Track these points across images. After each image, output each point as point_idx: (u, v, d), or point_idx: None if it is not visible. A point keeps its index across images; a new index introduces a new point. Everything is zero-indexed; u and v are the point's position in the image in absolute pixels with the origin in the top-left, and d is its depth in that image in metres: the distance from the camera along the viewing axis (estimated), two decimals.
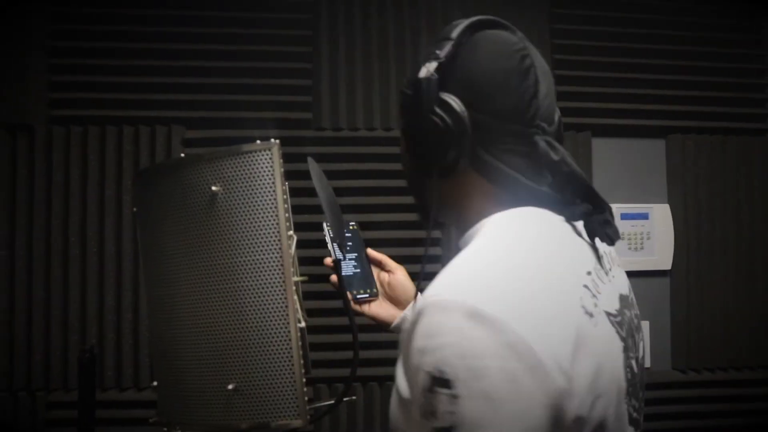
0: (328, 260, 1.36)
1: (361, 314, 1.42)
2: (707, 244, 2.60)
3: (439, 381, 0.80)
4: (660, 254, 2.58)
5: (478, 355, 0.80)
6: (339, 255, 1.37)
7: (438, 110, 0.96)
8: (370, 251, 1.50)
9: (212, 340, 1.17)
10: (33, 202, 2.30)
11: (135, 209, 1.37)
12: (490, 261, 0.89)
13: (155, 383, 1.33)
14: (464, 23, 1.02)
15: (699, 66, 2.63)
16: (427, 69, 0.97)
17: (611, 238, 0.98)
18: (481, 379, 0.79)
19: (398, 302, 1.45)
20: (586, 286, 0.91)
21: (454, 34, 1.00)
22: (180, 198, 1.20)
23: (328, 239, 1.36)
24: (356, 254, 1.46)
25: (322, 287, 1.97)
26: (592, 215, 0.99)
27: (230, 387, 1.13)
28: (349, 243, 1.45)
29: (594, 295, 0.91)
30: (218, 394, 1.16)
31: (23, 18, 2.32)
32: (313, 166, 1.34)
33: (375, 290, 1.45)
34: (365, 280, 1.45)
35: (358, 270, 1.45)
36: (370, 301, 1.44)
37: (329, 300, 2.21)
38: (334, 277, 1.35)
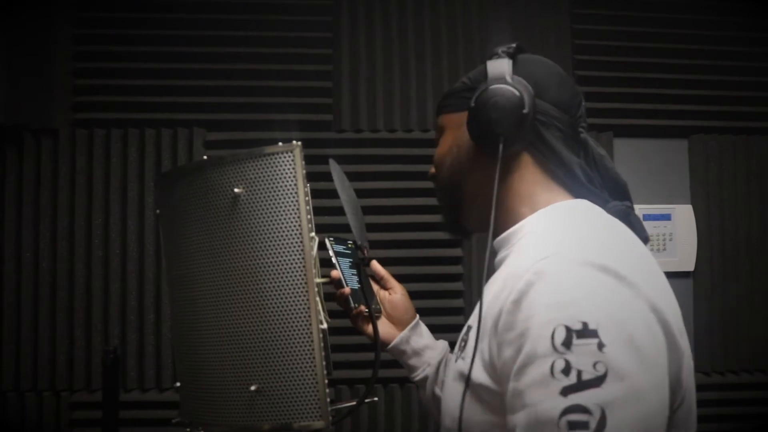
0: (335, 273, 1.36)
1: (361, 332, 1.40)
2: (731, 245, 2.58)
3: (581, 332, 0.78)
4: (683, 255, 2.55)
5: (620, 304, 0.81)
6: (341, 267, 1.37)
7: (512, 82, 1.02)
8: (375, 265, 1.47)
9: (235, 341, 1.17)
10: (57, 205, 2.32)
11: (158, 211, 1.38)
12: (599, 231, 0.95)
13: (178, 384, 1.34)
14: (517, 42, 1.11)
15: (721, 65, 2.60)
16: (498, 57, 1.06)
17: (646, 237, 1.04)
18: (625, 327, 0.79)
19: (397, 322, 1.42)
20: (652, 257, 0.98)
21: (514, 44, 1.09)
22: (203, 200, 1.21)
23: (331, 253, 1.36)
24: (356, 270, 1.43)
25: None
26: (630, 214, 1.05)
27: (253, 388, 1.14)
28: (350, 260, 1.42)
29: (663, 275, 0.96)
30: (241, 395, 1.16)
31: (48, 23, 2.34)
32: (334, 168, 1.34)
33: (378, 307, 1.42)
34: (369, 296, 1.42)
35: (359, 286, 1.41)
36: (376, 318, 1.40)
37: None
38: (346, 290, 1.35)
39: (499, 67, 1.04)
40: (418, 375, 1.40)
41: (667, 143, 2.61)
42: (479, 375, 0.92)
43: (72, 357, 2.30)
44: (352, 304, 1.35)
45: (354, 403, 1.27)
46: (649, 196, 2.57)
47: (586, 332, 0.78)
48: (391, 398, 2.38)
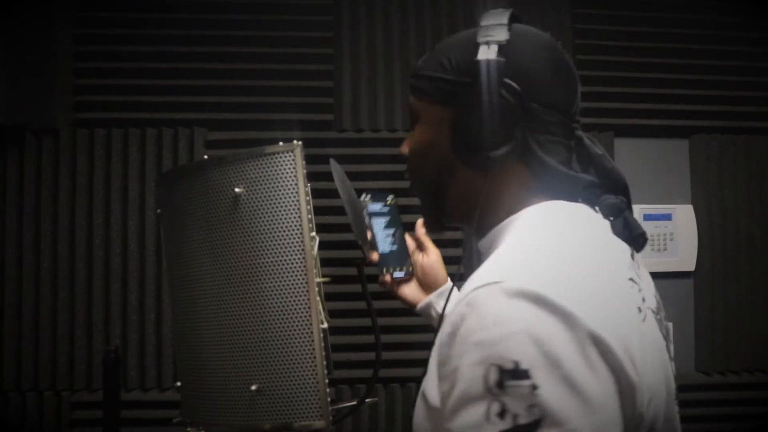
0: (368, 234, 1.36)
1: (390, 292, 1.40)
2: (731, 245, 2.58)
3: (513, 373, 0.72)
4: (683, 255, 2.55)
5: (554, 341, 0.73)
6: (374, 229, 1.36)
7: (504, 93, 0.90)
8: (418, 226, 1.45)
9: (235, 340, 1.17)
10: (58, 204, 2.33)
11: (159, 211, 1.38)
12: (546, 250, 0.85)
13: (179, 383, 1.34)
14: (506, 11, 0.97)
15: (722, 65, 2.60)
16: (489, 52, 0.91)
17: (643, 234, 0.95)
18: (560, 365, 0.72)
19: (427, 286, 1.42)
20: (632, 280, 0.88)
21: (505, 20, 0.95)
22: (203, 199, 1.21)
23: (365, 213, 1.36)
24: (393, 230, 1.41)
25: (345, 288, 1.97)
26: (624, 210, 0.96)
27: (253, 388, 1.14)
28: (387, 217, 1.41)
29: (639, 290, 0.88)
30: (241, 394, 1.16)
31: (48, 23, 2.34)
32: (335, 168, 1.34)
33: (411, 269, 1.41)
34: (401, 258, 1.41)
35: (395, 247, 1.40)
36: (405, 281, 1.41)
37: (352, 301, 2.21)
38: (374, 257, 1.35)
39: (491, 68, 0.90)
40: None
41: (668, 143, 2.61)
42: (433, 396, 0.84)
43: (73, 357, 2.30)
44: (390, 268, 1.36)
45: (354, 402, 1.27)
46: (650, 196, 2.57)
47: (517, 373, 0.72)
48: (392, 398, 2.38)
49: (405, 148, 1.11)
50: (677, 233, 2.55)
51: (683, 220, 2.56)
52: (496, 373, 0.72)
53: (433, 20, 2.49)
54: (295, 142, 1.15)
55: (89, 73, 2.38)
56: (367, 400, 1.27)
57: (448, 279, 1.44)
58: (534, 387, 0.71)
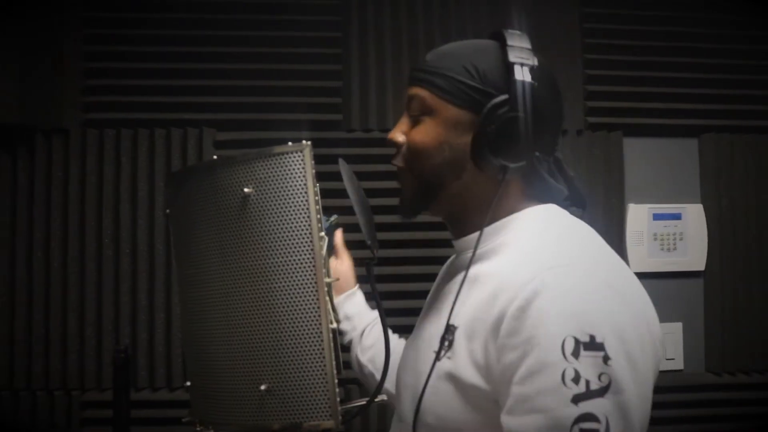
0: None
1: None
2: (742, 245, 2.56)
3: (589, 344, 0.82)
4: (693, 255, 2.54)
5: (621, 320, 0.86)
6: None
7: (534, 117, 1.00)
8: (337, 235, 1.63)
9: (245, 340, 1.17)
10: (67, 204, 2.33)
11: (168, 211, 1.38)
12: (575, 237, 1.01)
13: (188, 383, 1.34)
14: (526, 36, 1.06)
15: (732, 63, 2.58)
16: (525, 73, 1.00)
17: None
18: (624, 341, 0.84)
19: (338, 290, 1.57)
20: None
21: (530, 45, 1.04)
22: (212, 199, 1.21)
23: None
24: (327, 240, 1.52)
25: None
26: (582, 218, 1.09)
27: (263, 387, 1.14)
28: (327, 226, 1.53)
29: None
30: (251, 394, 1.16)
31: (58, 23, 2.35)
32: (344, 168, 1.34)
33: (334, 278, 1.54)
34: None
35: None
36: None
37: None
38: None
39: (526, 89, 0.99)
40: (346, 339, 1.56)
41: (677, 142, 2.60)
42: (470, 375, 0.94)
43: (83, 356, 2.31)
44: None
45: (364, 402, 1.27)
46: (660, 196, 2.56)
47: (593, 345, 0.82)
48: None
49: (400, 137, 1.17)
50: (687, 233, 2.54)
51: (693, 219, 2.55)
52: (573, 343, 0.82)
53: (442, 20, 2.48)
54: (304, 142, 1.15)
55: (99, 74, 2.39)
56: (376, 400, 1.27)
57: (357, 284, 1.60)
58: (606, 358, 0.82)
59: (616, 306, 0.87)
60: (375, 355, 1.49)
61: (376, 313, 1.56)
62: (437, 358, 1.02)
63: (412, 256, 2.40)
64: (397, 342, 1.52)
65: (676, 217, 2.54)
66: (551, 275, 0.88)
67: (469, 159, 1.05)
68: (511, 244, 1.03)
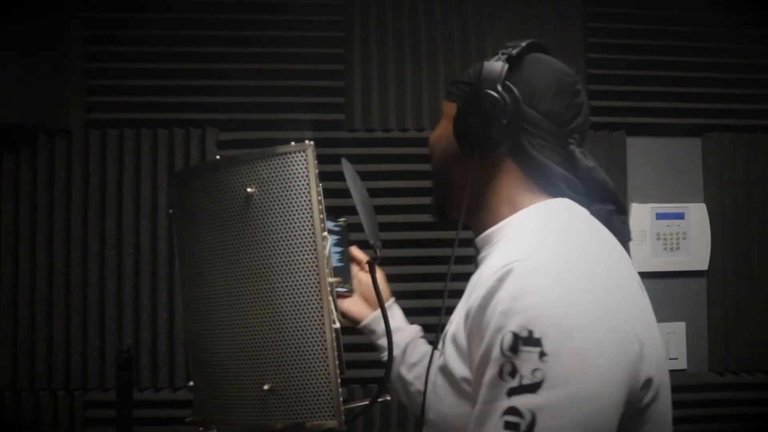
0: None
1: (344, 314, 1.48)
2: (745, 244, 2.56)
3: (526, 340, 0.84)
4: (696, 254, 2.54)
5: (569, 314, 0.85)
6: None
7: (499, 89, 1.04)
8: (354, 250, 1.55)
9: (248, 340, 1.17)
10: (70, 205, 2.34)
11: (171, 211, 1.39)
12: (563, 233, 0.99)
13: (191, 383, 1.34)
14: (530, 40, 1.13)
15: (735, 62, 2.58)
16: (497, 58, 1.09)
17: (628, 238, 1.09)
18: (570, 338, 0.84)
19: (371, 302, 1.51)
20: (630, 262, 1.02)
21: (524, 42, 1.11)
22: (215, 199, 1.21)
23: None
24: (341, 249, 1.49)
25: None
26: (611, 217, 1.09)
27: (266, 387, 1.14)
28: (337, 237, 1.48)
29: (637, 274, 1.02)
30: (254, 394, 1.16)
31: (60, 24, 2.35)
32: (347, 168, 1.34)
33: (351, 287, 1.50)
34: (345, 275, 1.48)
35: (341, 264, 1.48)
36: (345, 297, 1.48)
37: None
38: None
39: (493, 69, 1.07)
40: (385, 355, 1.42)
41: (680, 141, 2.60)
42: (460, 368, 0.97)
43: (86, 356, 2.31)
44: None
45: (367, 402, 1.27)
46: (663, 195, 2.56)
47: (530, 340, 0.83)
48: None
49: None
50: (690, 232, 2.54)
51: (696, 218, 2.54)
52: (511, 338, 0.84)
53: (444, 19, 2.48)
54: (307, 141, 1.15)
55: (101, 74, 2.39)
56: (379, 400, 1.27)
57: (392, 297, 1.55)
58: (542, 354, 0.83)
59: (567, 300, 0.86)
60: (422, 371, 1.39)
61: (416, 327, 1.53)
62: (436, 354, 1.09)
63: (415, 256, 2.40)
64: (427, 349, 1.49)
65: (679, 216, 2.54)
66: (506, 271, 0.90)
67: (458, 146, 1.12)
68: (506, 242, 1.06)
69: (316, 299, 1.13)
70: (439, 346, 1.08)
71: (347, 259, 1.51)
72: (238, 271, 1.19)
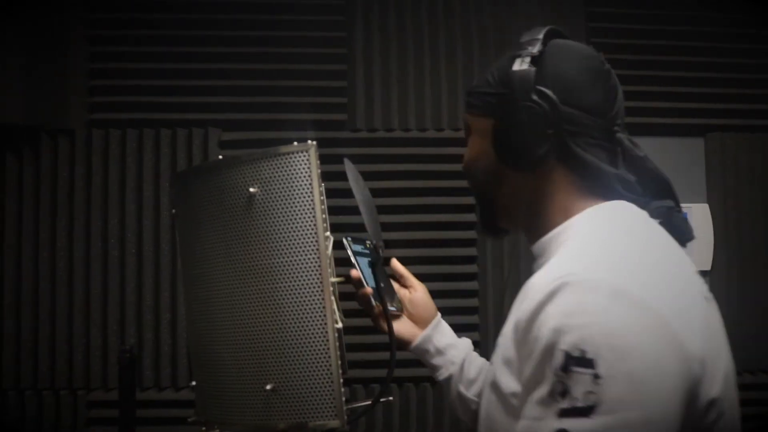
0: (355, 273, 1.34)
1: (384, 332, 1.35)
2: (748, 244, 2.56)
3: (578, 360, 0.80)
4: (699, 254, 2.53)
5: (624, 335, 0.81)
6: (360, 267, 1.34)
7: (536, 99, 0.97)
8: (395, 264, 1.47)
9: (250, 340, 1.17)
10: (73, 204, 2.34)
11: (173, 211, 1.38)
12: (618, 246, 0.92)
13: (194, 383, 1.34)
14: (544, 28, 1.05)
15: (738, 62, 2.58)
16: (522, 62, 1.00)
17: (690, 237, 1.04)
18: (626, 359, 0.79)
19: (419, 321, 1.41)
20: (694, 269, 0.96)
21: (540, 35, 1.03)
22: (218, 199, 1.21)
23: (350, 252, 1.34)
24: (373, 270, 1.39)
25: None
26: (672, 214, 1.05)
27: (268, 387, 1.14)
28: (368, 259, 1.38)
29: (703, 282, 0.96)
30: (256, 394, 1.16)
31: (63, 24, 2.36)
32: (349, 168, 1.34)
33: (400, 305, 1.41)
34: (390, 294, 1.40)
35: (382, 285, 1.38)
36: (396, 317, 1.38)
37: None
38: (368, 290, 1.33)
39: (522, 76, 0.99)
40: (442, 374, 1.39)
41: (683, 141, 2.59)
42: (508, 382, 0.93)
43: (89, 356, 2.31)
44: (374, 303, 1.34)
45: (369, 402, 1.27)
46: None
47: (583, 361, 0.79)
48: (406, 398, 2.38)
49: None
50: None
51: (699, 219, 2.54)
52: (562, 357, 0.80)
53: (446, 19, 2.48)
54: (309, 141, 1.15)
55: (104, 74, 2.40)
56: (381, 400, 1.27)
57: (438, 313, 1.44)
58: (596, 376, 0.78)
59: (624, 320, 0.81)
60: (482, 389, 1.31)
61: (468, 341, 1.45)
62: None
63: (417, 256, 2.40)
64: (483, 362, 1.41)
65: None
66: (558, 286, 0.85)
67: (498, 163, 1.05)
68: (560, 251, 1.00)
69: (318, 299, 1.12)
70: (492, 359, 1.03)
71: (386, 277, 1.43)
72: (240, 271, 1.19)
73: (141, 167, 2.37)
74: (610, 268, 0.87)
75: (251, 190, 1.16)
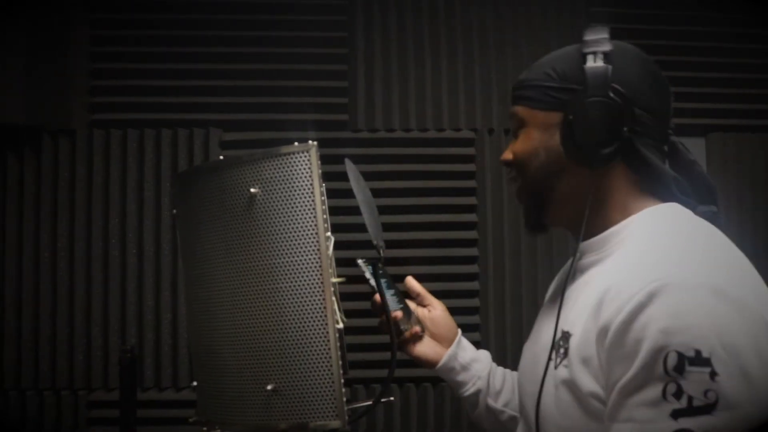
0: (376, 297, 1.31)
1: (407, 353, 1.36)
2: (750, 245, 2.51)
3: (693, 360, 0.81)
4: None
5: (733, 332, 0.83)
6: (382, 290, 1.31)
7: (612, 95, 0.99)
8: (411, 282, 1.44)
9: (251, 340, 1.17)
10: (74, 205, 2.34)
11: (174, 211, 1.38)
12: (699, 245, 0.96)
13: (194, 383, 1.34)
14: (605, 28, 1.05)
15: (739, 62, 2.57)
16: (596, 58, 1.01)
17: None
18: (738, 356, 0.82)
19: (441, 339, 1.39)
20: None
21: (607, 34, 1.03)
22: (219, 200, 1.21)
23: (367, 274, 1.33)
24: (393, 290, 1.37)
25: (360, 288, 1.96)
26: (717, 218, 1.07)
27: (269, 387, 1.14)
28: (385, 279, 1.35)
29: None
30: (257, 394, 1.16)
31: (65, 24, 2.36)
32: (350, 168, 1.34)
33: (415, 325, 1.37)
34: (409, 315, 1.37)
35: (402, 305, 1.36)
36: (418, 339, 1.37)
37: (367, 301, 2.20)
38: (398, 314, 1.32)
39: (598, 72, 1.01)
40: (469, 390, 1.37)
41: (684, 142, 2.58)
42: (588, 383, 0.94)
43: (90, 356, 2.32)
44: (402, 327, 1.32)
45: (370, 402, 1.27)
46: None
47: (698, 360, 0.81)
48: (407, 398, 2.38)
49: (509, 155, 1.17)
50: None
51: None
52: (676, 358, 0.81)
53: (447, 19, 2.49)
54: (310, 142, 1.15)
55: (105, 74, 2.40)
56: (382, 400, 1.27)
57: (458, 330, 1.43)
58: (713, 374, 0.80)
59: (730, 318, 0.84)
60: (509, 398, 1.36)
61: (487, 354, 1.44)
62: (551, 365, 1.03)
63: (419, 256, 2.40)
64: (504, 371, 1.42)
65: None
66: (658, 287, 0.86)
67: (564, 158, 1.06)
68: (624, 251, 1.02)
69: (319, 299, 1.12)
70: (558, 360, 1.02)
71: (403, 299, 1.39)
72: (241, 271, 1.19)
73: (142, 167, 2.37)
74: (704, 269, 0.89)
75: (252, 190, 1.16)
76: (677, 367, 0.81)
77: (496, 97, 2.48)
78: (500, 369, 1.41)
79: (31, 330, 2.31)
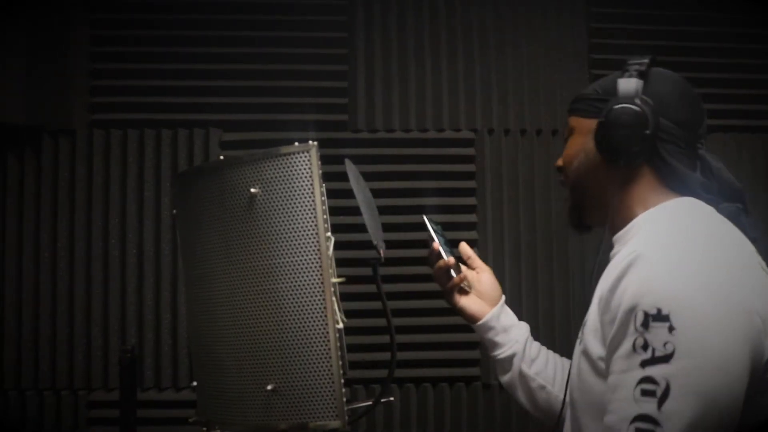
0: (435, 245, 1.47)
1: (453, 306, 1.47)
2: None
3: (655, 317, 0.95)
4: None
5: (692, 294, 0.96)
6: (439, 241, 1.47)
7: (638, 102, 1.14)
8: (463, 246, 1.56)
9: (251, 340, 1.17)
10: (74, 205, 2.34)
11: (174, 211, 1.39)
12: (683, 222, 1.11)
13: (194, 383, 1.34)
14: (649, 56, 1.23)
15: (739, 63, 2.57)
16: (630, 74, 1.18)
17: (755, 237, 1.16)
18: (695, 313, 0.95)
19: (487, 299, 1.49)
20: (755, 251, 1.11)
21: (647, 59, 1.22)
22: (219, 200, 1.21)
23: (429, 227, 1.49)
24: (448, 244, 1.52)
25: (360, 288, 1.97)
26: (740, 215, 1.18)
27: (269, 387, 1.14)
28: (439, 233, 1.51)
29: (760, 258, 1.11)
30: (257, 394, 1.16)
31: (65, 24, 2.36)
32: (350, 168, 1.34)
33: (468, 284, 1.49)
34: (458, 267, 1.48)
35: (453, 255, 1.49)
36: (464, 293, 1.47)
37: (367, 301, 2.21)
38: (451, 260, 1.45)
39: (629, 86, 1.16)
40: (505, 352, 1.45)
41: None
42: (596, 348, 1.08)
43: (90, 356, 2.32)
44: (453, 274, 1.43)
45: (370, 402, 1.27)
46: None
47: (659, 317, 0.95)
48: (407, 398, 2.38)
49: (560, 161, 1.34)
50: None
51: None
52: (642, 316, 0.96)
53: (447, 20, 2.48)
54: (310, 142, 1.15)
55: (105, 75, 2.40)
56: (382, 400, 1.27)
57: (503, 294, 1.53)
58: (671, 328, 0.94)
59: (697, 286, 0.97)
60: (542, 369, 1.44)
61: (526, 325, 1.52)
62: (576, 342, 1.20)
63: (419, 257, 2.39)
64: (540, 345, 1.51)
65: None
66: (634, 258, 1.01)
67: (597, 158, 1.21)
68: (636, 239, 1.14)
69: (319, 300, 1.13)
70: (580, 334, 1.18)
71: (452, 249, 1.53)
72: (241, 271, 1.19)
73: (142, 167, 2.37)
74: (676, 242, 1.04)
75: (252, 190, 1.16)
76: (644, 323, 0.96)
77: (496, 97, 2.48)
78: (537, 343, 1.50)
79: (31, 330, 2.31)
